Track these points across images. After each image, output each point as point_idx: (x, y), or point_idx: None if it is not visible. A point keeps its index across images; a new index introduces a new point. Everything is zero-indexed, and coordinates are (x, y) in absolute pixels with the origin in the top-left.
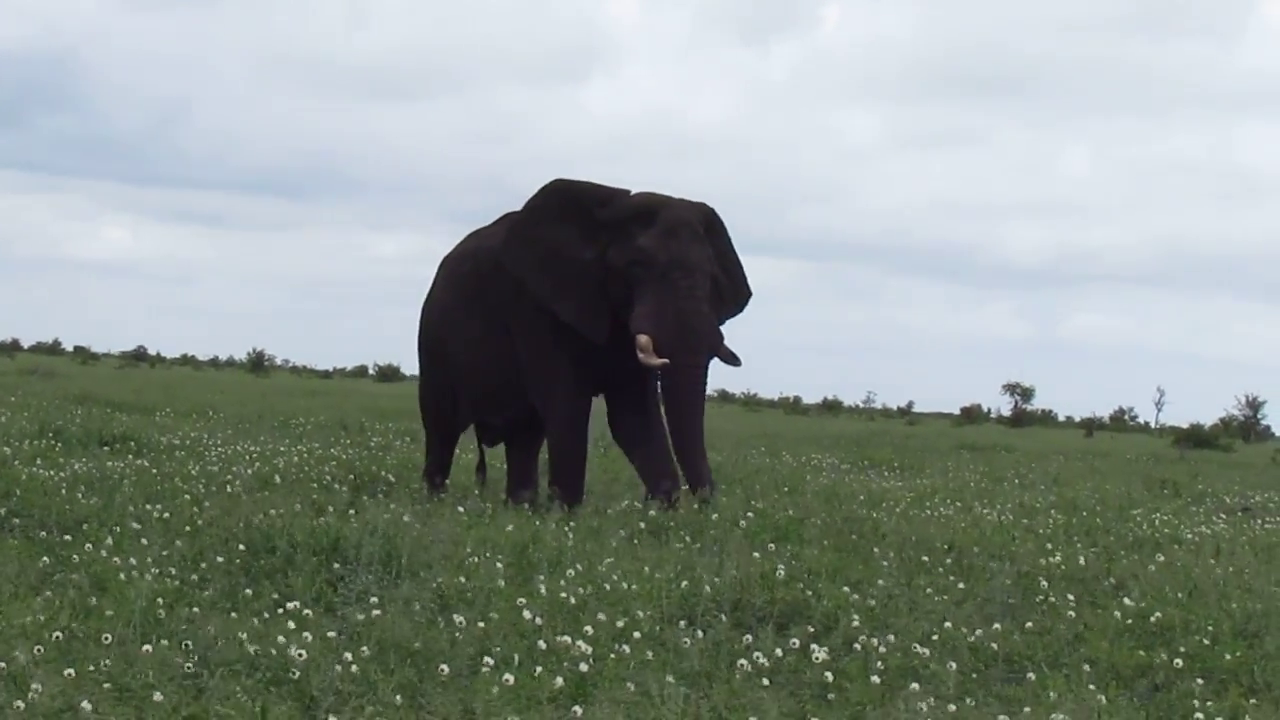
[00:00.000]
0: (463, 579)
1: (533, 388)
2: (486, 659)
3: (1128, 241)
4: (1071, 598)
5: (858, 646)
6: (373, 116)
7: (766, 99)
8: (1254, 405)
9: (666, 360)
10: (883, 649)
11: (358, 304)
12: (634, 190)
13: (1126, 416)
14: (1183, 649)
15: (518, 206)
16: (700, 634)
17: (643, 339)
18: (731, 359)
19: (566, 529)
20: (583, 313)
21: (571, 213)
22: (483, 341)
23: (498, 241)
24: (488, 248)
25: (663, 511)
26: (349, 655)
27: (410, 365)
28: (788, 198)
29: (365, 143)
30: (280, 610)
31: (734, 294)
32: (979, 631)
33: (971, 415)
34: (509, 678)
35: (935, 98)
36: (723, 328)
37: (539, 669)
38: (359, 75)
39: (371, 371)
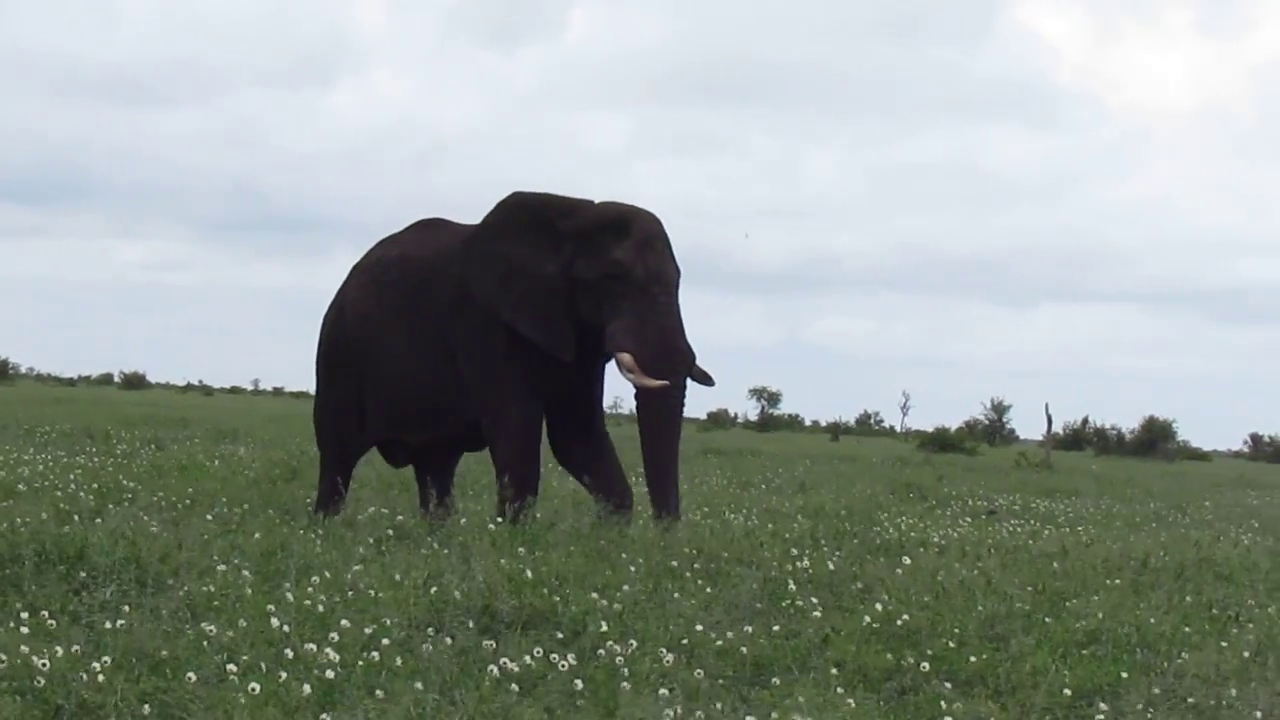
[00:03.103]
0: (210, 587)
1: (481, 400)
2: (233, 667)
3: (873, 246)
4: (818, 601)
5: (604, 652)
6: (116, 121)
7: (514, 104)
8: (999, 408)
9: (665, 381)
10: (630, 654)
11: (103, 311)
12: (595, 200)
13: (872, 420)
14: (929, 651)
15: (429, 214)
16: (449, 640)
17: (626, 357)
18: (705, 379)
19: (315, 535)
20: (548, 329)
21: (532, 226)
22: (409, 356)
23: (430, 251)
24: (418, 257)
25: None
26: (95, 664)
27: (156, 373)
28: None
29: (108, 148)
30: (25, 619)
31: None
32: (726, 636)
33: (719, 420)
34: (255, 686)
35: (682, 103)
36: None
37: (286, 676)
38: (102, 79)
39: (117, 379)
